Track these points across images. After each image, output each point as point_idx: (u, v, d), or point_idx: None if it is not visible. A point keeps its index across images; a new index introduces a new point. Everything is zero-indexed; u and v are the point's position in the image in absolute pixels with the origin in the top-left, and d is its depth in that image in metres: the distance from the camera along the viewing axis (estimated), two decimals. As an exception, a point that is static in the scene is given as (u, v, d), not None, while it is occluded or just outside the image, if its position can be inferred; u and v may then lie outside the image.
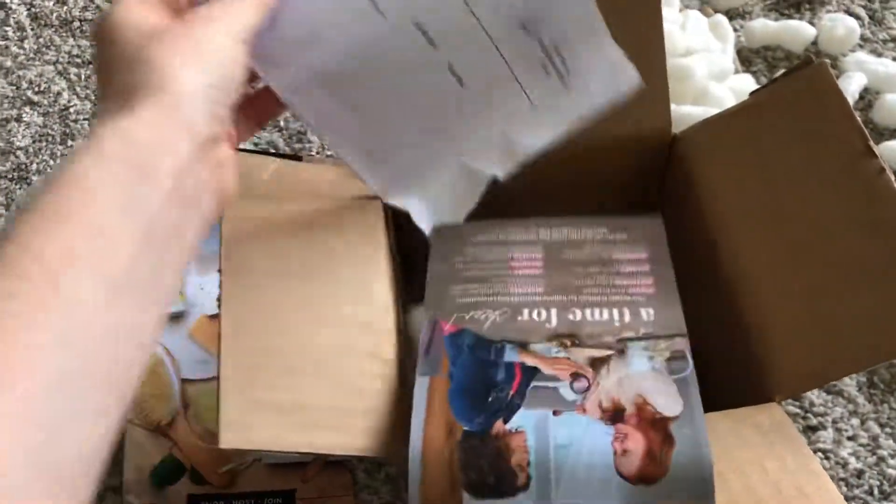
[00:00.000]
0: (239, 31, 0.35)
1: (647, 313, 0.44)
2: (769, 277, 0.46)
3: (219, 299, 0.42)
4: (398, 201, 0.48)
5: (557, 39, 0.43)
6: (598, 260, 0.47)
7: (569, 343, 0.43)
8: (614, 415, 0.39)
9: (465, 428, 0.39)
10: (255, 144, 0.68)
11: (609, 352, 0.42)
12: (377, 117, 0.44)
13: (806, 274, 0.45)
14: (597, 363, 0.41)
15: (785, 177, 0.47)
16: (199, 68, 0.33)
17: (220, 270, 0.42)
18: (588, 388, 0.40)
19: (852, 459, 0.54)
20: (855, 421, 0.55)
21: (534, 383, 0.41)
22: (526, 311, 0.44)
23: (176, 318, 0.55)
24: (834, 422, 0.55)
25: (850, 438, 0.55)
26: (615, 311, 0.44)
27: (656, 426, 0.39)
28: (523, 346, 0.42)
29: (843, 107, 0.45)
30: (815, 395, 0.56)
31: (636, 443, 0.38)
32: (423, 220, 0.49)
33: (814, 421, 0.55)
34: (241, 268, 0.42)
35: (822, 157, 0.45)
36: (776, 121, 0.48)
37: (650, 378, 0.41)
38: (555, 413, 0.39)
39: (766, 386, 0.44)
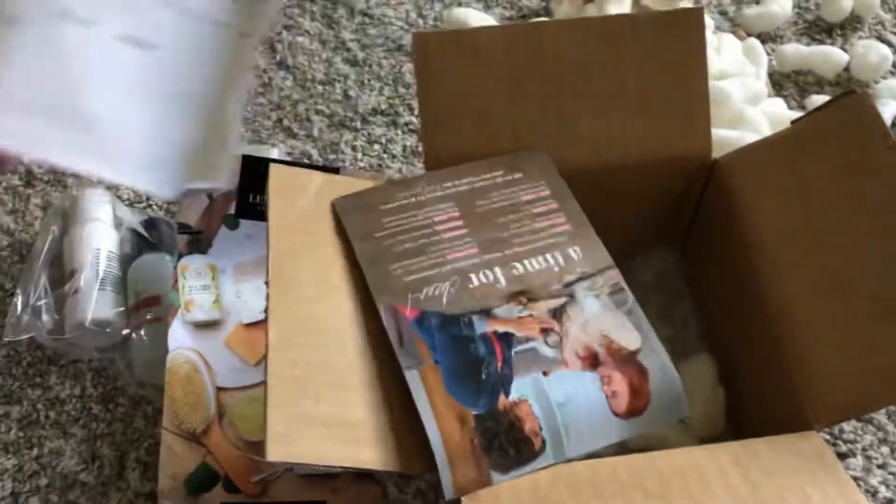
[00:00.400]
0: None
1: (574, 252, 0.46)
2: (808, 306, 0.46)
3: (265, 311, 0.42)
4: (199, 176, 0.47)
5: None
6: (510, 207, 0.48)
7: (525, 300, 0.44)
8: (592, 360, 0.42)
9: (475, 413, 0.40)
10: (289, 154, 0.69)
11: (562, 300, 0.44)
12: (96, 121, 0.44)
13: (845, 303, 0.45)
14: (557, 313, 0.44)
15: (826, 206, 0.47)
16: None
17: (266, 282, 0.42)
18: (561, 341, 0.43)
19: (882, 488, 0.54)
20: (885, 449, 0.56)
21: (514, 349, 0.42)
22: (474, 277, 0.45)
23: (212, 325, 0.55)
24: (864, 449, 0.56)
25: (879, 467, 0.55)
26: (549, 257, 0.46)
27: (628, 361, 0.43)
28: (487, 313, 0.44)
29: (886, 138, 0.45)
30: (844, 423, 0.57)
31: (619, 382, 0.42)
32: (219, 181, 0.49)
33: (843, 448, 0.56)
34: (288, 280, 0.43)
35: (865, 186, 0.45)
36: (818, 150, 0.48)
37: (604, 316, 0.44)
38: (545, 374, 0.42)
39: (804, 413, 0.44)
